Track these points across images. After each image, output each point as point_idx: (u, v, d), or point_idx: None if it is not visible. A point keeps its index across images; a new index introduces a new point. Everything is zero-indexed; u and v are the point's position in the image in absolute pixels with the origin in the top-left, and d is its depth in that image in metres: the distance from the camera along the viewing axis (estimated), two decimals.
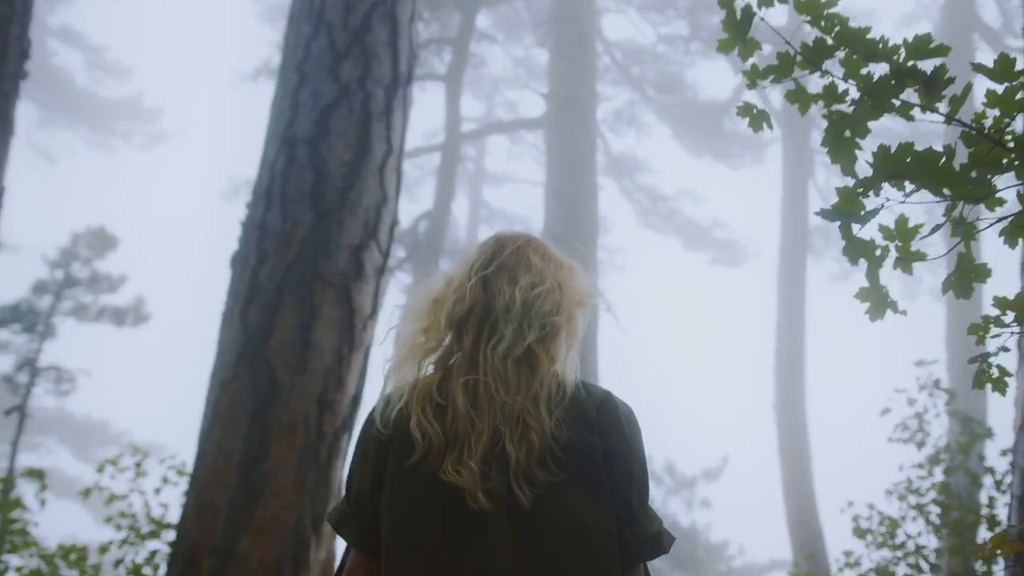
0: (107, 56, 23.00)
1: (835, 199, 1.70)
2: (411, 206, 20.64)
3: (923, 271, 19.20)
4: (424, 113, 22.47)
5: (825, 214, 1.50)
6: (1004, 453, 5.15)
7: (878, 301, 1.82)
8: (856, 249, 1.55)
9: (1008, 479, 5.12)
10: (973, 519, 5.18)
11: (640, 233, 20.95)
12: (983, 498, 5.30)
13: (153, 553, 4.89)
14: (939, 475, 5.43)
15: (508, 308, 1.53)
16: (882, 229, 1.83)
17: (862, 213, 1.49)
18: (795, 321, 14.92)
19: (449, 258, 12.76)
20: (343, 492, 1.62)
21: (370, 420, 1.57)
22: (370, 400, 5.17)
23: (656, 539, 1.52)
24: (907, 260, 1.84)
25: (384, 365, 1.60)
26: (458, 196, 23.37)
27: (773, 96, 17.71)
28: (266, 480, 4.23)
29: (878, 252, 1.84)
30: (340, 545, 4.91)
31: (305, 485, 4.34)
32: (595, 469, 1.46)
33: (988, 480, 5.27)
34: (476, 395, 1.48)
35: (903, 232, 1.81)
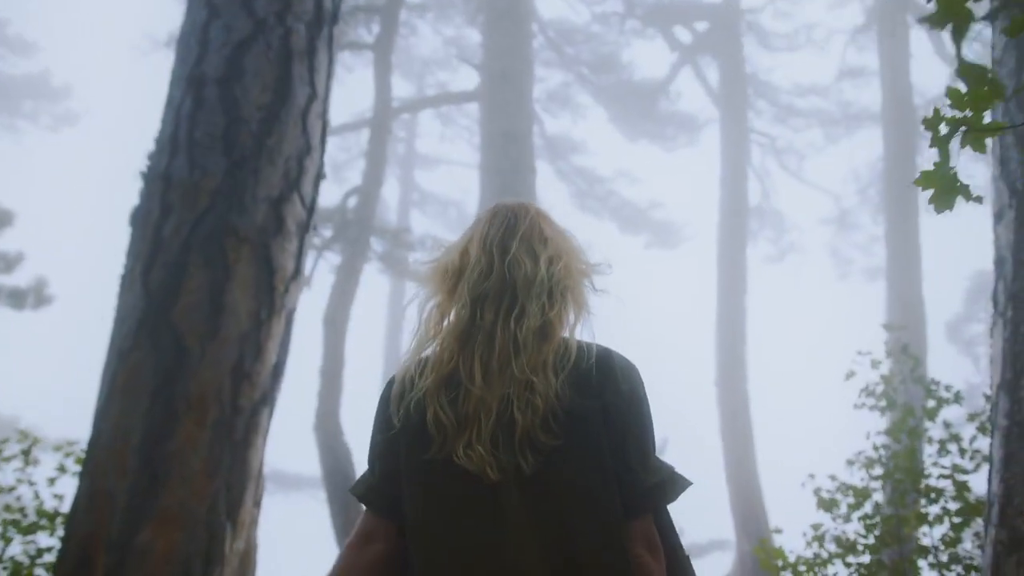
0: (8, 30, 21.59)
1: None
2: (340, 189, 19.89)
3: (855, 251, 19.36)
4: (352, 92, 21.76)
5: (926, 20, 1.07)
6: (972, 417, 4.91)
7: (945, 186, 1.41)
8: (969, 69, 1.12)
9: (978, 443, 4.89)
10: (933, 485, 4.94)
11: (576, 216, 20.62)
12: (946, 465, 5.06)
13: (42, 551, 4.27)
14: (900, 443, 5.17)
15: (530, 283, 1.54)
16: (951, 94, 1.42)
17: (980, 17, 1.05)
18: (735, 301, 14.81)
19: (378, 238, 12.20)
20: (368, 465, 1.64)
21: (386, 406, 1.58)
22: (295, 370, 4.66)
23: (655, 490, 1.51)
24: (980, 134, 1.44)
25: (408, 343, 1.61)
26: (388, 179, 22.72)
27: (711, 74, 17.58)
28: (171, 463, 3.67)
29: (944, 128, 1.43)
30: (263, 533, 4.36)
31: (219, 468, 3.80)
32: (596, 430, 1.48)
33: (952, 447, 5.04)
34: (489, 371, 1.50)
35: (978, 97, 1.40)
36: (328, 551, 10.67)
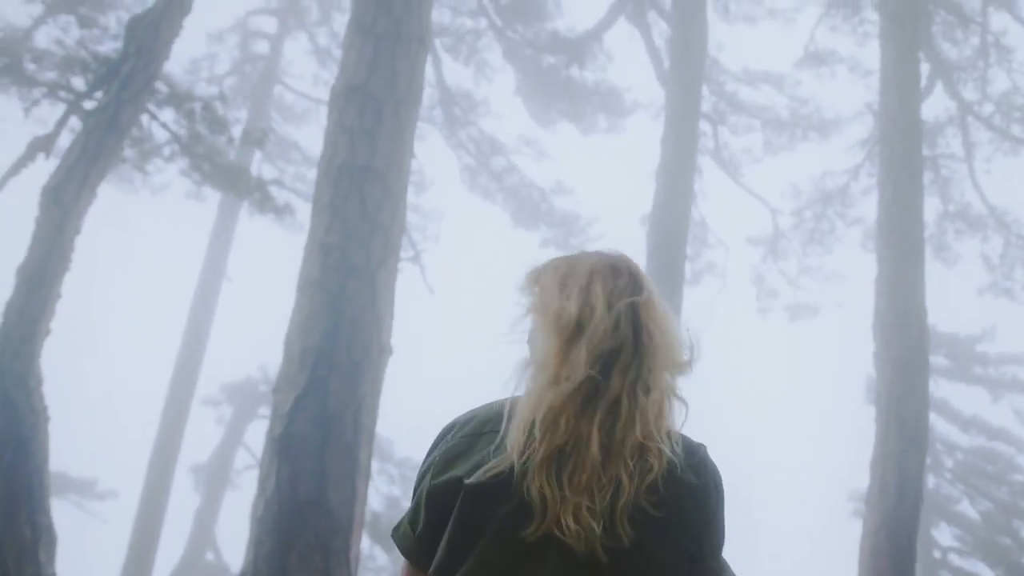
0: None
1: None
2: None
3: (782, 282, 16.49)
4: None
5: None
6: None
7: None
8: None
9: None
10: None
11: (462, 197, 16.93)
12: None
13: None
14: None
15: (656, 349, 1.48)
16: None
17: None
18: None
19: (165, 85, 8.09)
20: (415, 509, 1.53)
21: (463, 452, 1.49)
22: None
23: None
24: None
25: (515, 386, 1.47)
26: (233, 99, 18.32)
27: (657, 31, 14.43)
28: None
29: None
30: None
31: None
32: (690, 515, 1.45)
33: None
34: (611, 441, 1.41)
35: None
36: None
